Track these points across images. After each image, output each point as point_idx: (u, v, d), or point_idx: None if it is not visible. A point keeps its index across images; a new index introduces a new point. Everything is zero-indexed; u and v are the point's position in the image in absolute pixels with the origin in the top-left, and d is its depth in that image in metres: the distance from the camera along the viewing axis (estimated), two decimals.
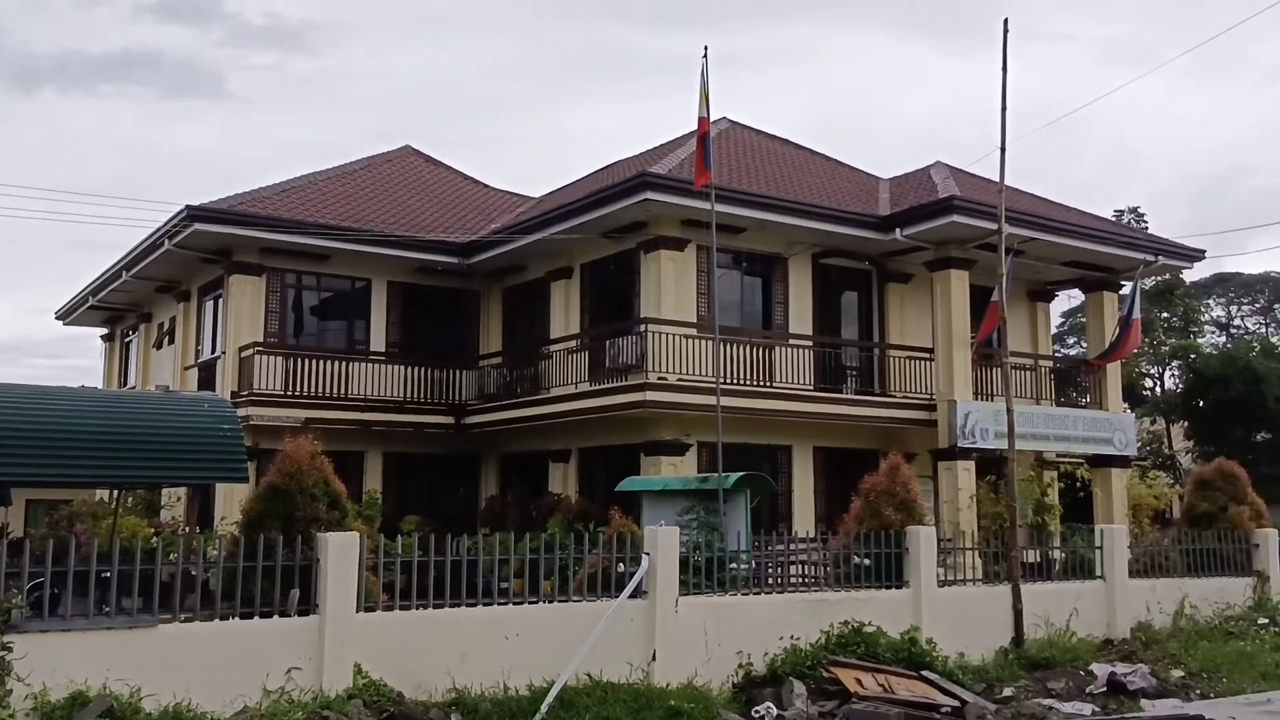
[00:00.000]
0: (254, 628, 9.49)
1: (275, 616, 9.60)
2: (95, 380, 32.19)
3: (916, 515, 13.65)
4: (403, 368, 23.58)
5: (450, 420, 23.72)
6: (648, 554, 11.52)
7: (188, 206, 21.02)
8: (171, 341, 26.12)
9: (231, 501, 20.69)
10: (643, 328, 19.44)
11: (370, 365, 23.21)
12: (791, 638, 12.22)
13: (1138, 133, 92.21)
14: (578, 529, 14.48)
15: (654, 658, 11.31)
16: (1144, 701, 12.44)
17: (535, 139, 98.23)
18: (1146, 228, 34.91)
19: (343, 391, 22.54)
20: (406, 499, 23.10)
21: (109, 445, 9.57)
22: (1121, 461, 23.29)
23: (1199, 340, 38.35)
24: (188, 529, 20.45)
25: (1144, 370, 37.21)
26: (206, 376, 23.65)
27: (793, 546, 14.50)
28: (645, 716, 10.37)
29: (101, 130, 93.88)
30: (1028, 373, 23.97)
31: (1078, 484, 24.33)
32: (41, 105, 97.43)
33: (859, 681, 11.25)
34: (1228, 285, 63.27)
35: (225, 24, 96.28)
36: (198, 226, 21.07)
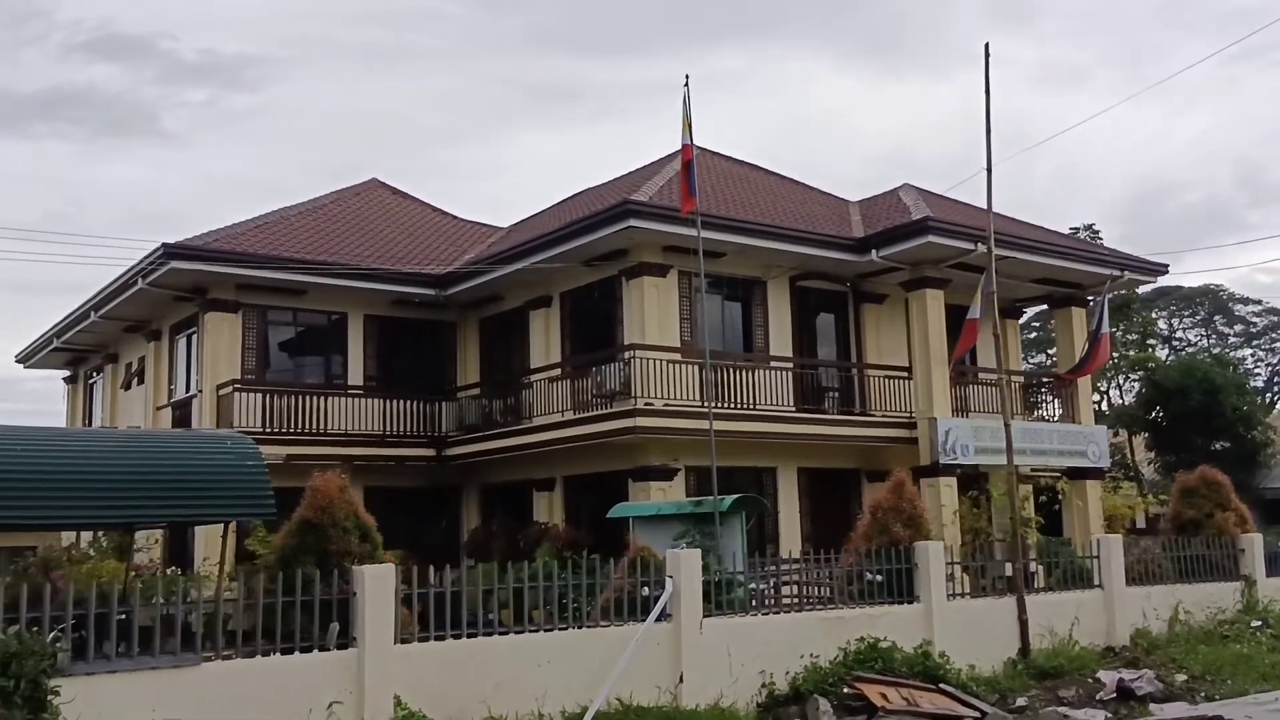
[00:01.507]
0: (294, 663, 9.43)
1: (315, 651, 9.54)
2: (57, 422, 31.55)
3: (924, 531, 13.86)
4: (382, 401, 23.45)
5: (431, 452, 23.63)
6: (670, 577, 11.60)
7: (164, 244, 20.80)
8: (141, 382, 25.75)
9: (213, 543, 20.48)
10: (629, 354, 19.56)
11: (349, 399, 23.06)
12: (811, 656, 12.35)
13: (1073, 151, 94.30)
14: (569, 557, 14.53)
15: (681, 680, 11.39)
16: (1152, 706, 12.73)
17: (472, 169, 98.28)
18: (1102, 244, 35.77)
19: (323, 426, 22.35)
20: (389, 532, 22.65)
21: (141, 485, 9.47)
22: (1096, 473, 23.80)
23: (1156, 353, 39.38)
24: (174, 570, 20.12)
25: (1104, 383, 38.00)
26: (182, 416, 23.34)
27: (794, 566, 14.68)
28: None
29: (34, 169, 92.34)
30: (997, 389, 24.42)
31: (1047, 497, 24.77)
32: None
33: (884, 696, 11.40)
34: (1169, 299, 64.75)
35: (158, 61, 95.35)
36: (174, 264, 20.86)
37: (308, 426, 22.06)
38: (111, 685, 8.58)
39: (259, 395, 21.70)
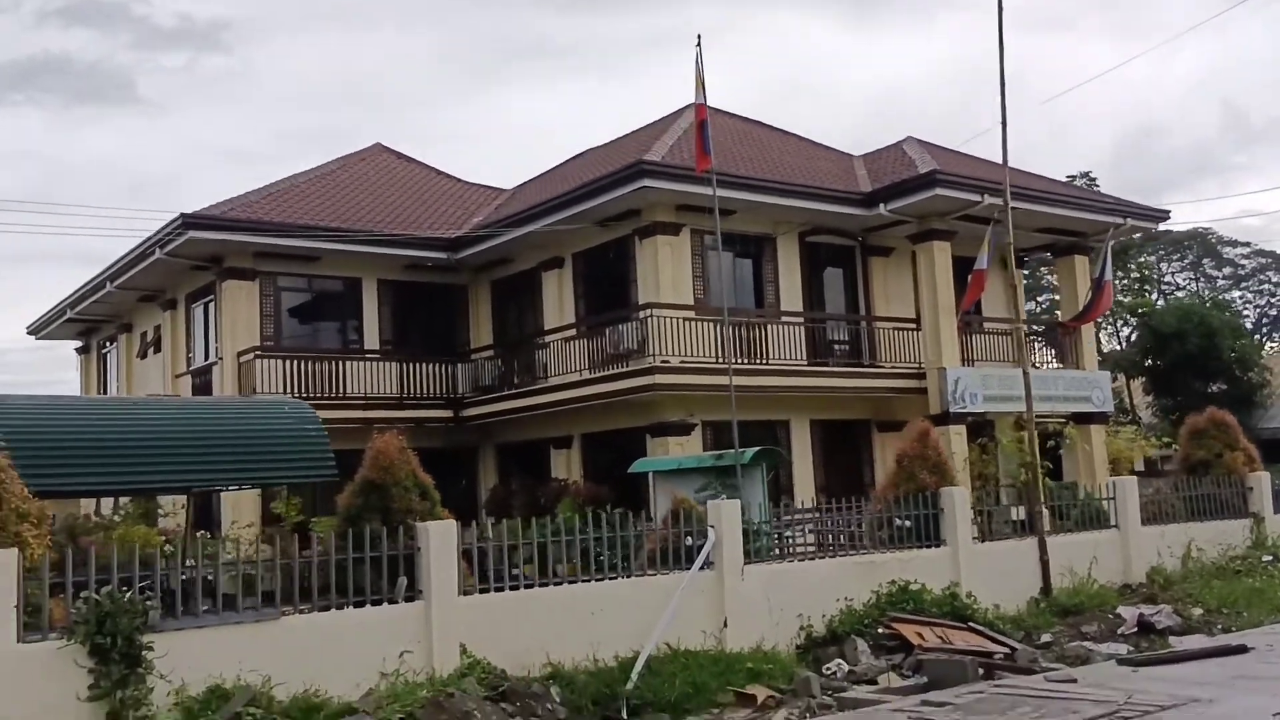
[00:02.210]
0: (366, 615, 9.87)
1: (385, 604, 9.96)
2: (71, 391, 31.81)
3: (949, 477, 14.32)
4: (398, 364, 23.79)
5: (449, 413, 24.00)
6: (712, 527, 12.04)
7: (182, 215, 21.04)
8: (158, 350, 26.03)
9: (239, 507, 20.90)
10: (646, 312, 19.90)
11: (367, 363, 23.41)
12: (846, 599, 12.84)
13: (1056, 95, 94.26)
14: (591, 512, 14.95)
15: (725, 624, 11.86)
16: (1172, 639, 13.25)
17: (454, 130, 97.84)
18: (1102, 192, 36.11)
19: (342, 390, 22.69)
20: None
21: (212, 451, 9.87)
22: (1100, 418, 24.30)
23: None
24: (204, 534, 20.53)
25: (1101, 329, 38.52)
26: (202, 383, 23.65)
27: (826, 514, 15.14)
28: (729, 679, 10.93)
29: (10, 139, 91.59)
30: (1006, 337, 24.90)
31: (1054, 443, 25.27)
32: None
33: (919, 635, 11.90)
34: (1157, 243, 65.18)
35: (133, 27, 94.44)
36: (191, 234, 21.10)
37: (328, 390, 22.38)
38: (199, 639, 8.99)
39: (279, 361, 21.99)
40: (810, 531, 15.80)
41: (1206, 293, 61.86)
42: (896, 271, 24.07)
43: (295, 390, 21.87)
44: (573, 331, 22.46)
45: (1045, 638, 13.26)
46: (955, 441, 21.82)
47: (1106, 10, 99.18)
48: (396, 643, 9.90)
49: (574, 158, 29.70)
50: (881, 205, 22.07)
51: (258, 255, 22.34)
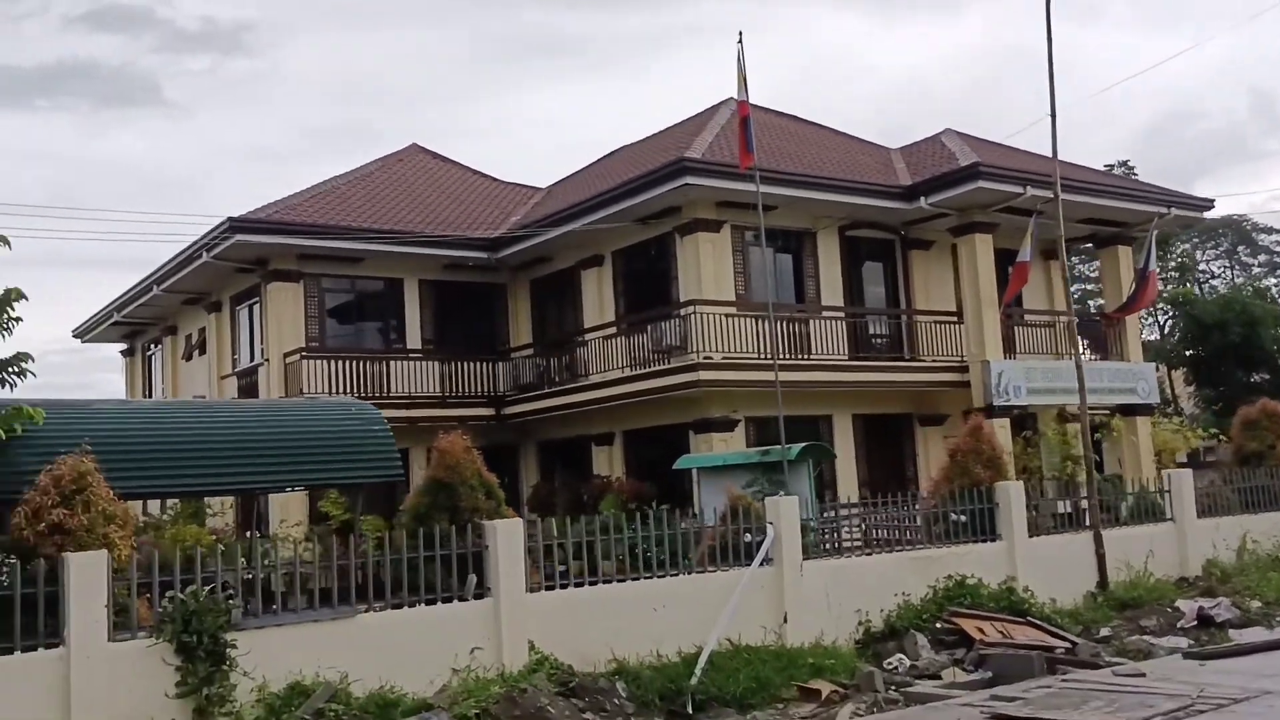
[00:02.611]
0: (438, 613, 10.00)
1: (455, 601, 10.09)
2: (113, 394, 32.18)
3: (1003, 471, 14.33)
4: (439, 363, 23.96)
5: (490, 411, 24.15)
6: (771, 524, 12.11)
7: (229, 218, 21.27)
8: (203, 352, 26.31)
9: (288, 507, 21.12)
10: (690, 309, 19.97)
11: (409, 362, 23.58)
12: (903, 594, 12.88)
13: (1088, 82, 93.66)
14: (635, 509, 15.01)
15: (785, 620, 11.93)
16: (1231, 632, 13.20)
17: (475, 128, 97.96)
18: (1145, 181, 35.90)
19: (386, 390, 22.86)
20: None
21: (285, 452, 10.02)
22: (1145, 410, 24.20)
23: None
24: (252, 533, 20.75)
25: (1141, 318, 38.30)
26: (248, 384, 23.89)
27: (862, 509, 15.21)
28: (792, 674, 11.00)
29: (36, 144, 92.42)
30: (1047, 329, 24.84)
31: (1101, 435, 25.16)
32: None
33: (980, 630, 11.92)
34: (1191, 230, 64.55)
35: (158, 30, 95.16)
36: (239, 238, 21.32)
37: (372, 390, 22.55)
38: (279, 637, 9.15)
39: (323, 361, 22.21)
40: (856, 526, 15.84)
41: (1242, 281, 61.28)
42: (937, 264, 24.04)
43: (340, 390, 22.09)
44: (613, 329, 22.56)
45: (1104, 632, 13.25)
46: (999, 435, 21.73)
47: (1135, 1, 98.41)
48: (467, 639, 10.03)
49: (608, 155, 29.81)
50: (923, 198, 22.03)
51: (302, 257, 22.55)
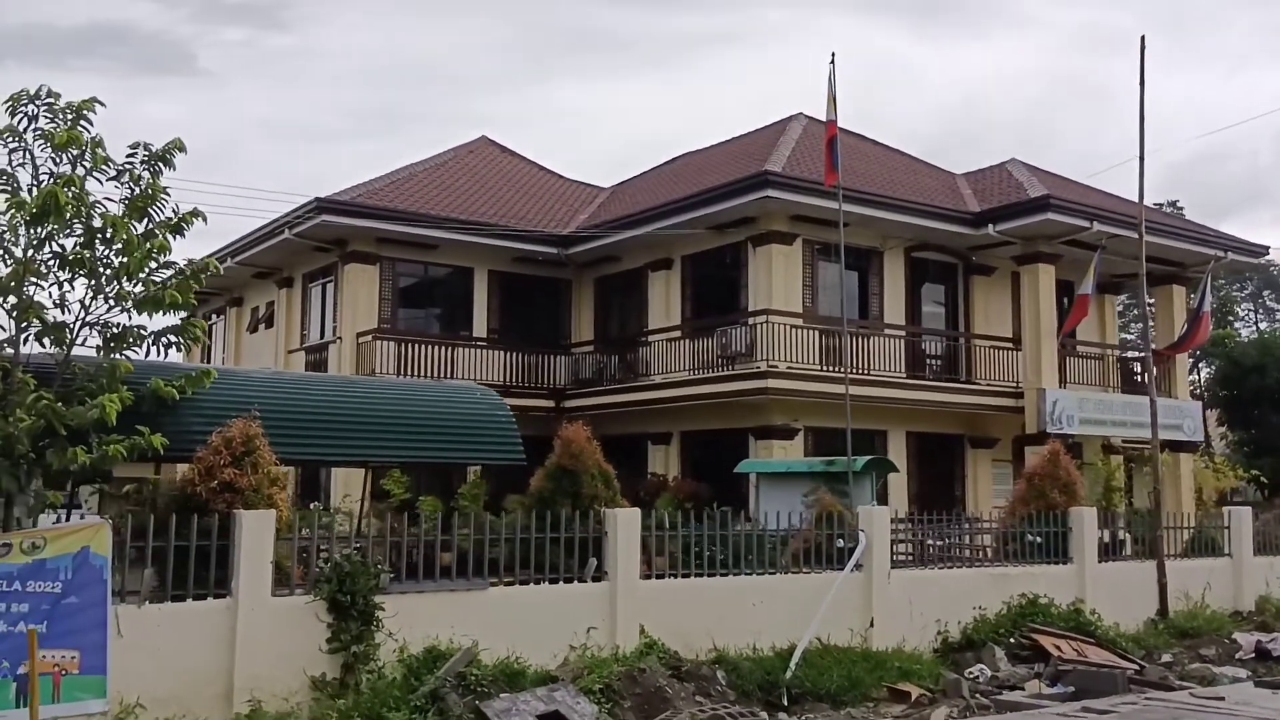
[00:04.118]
0: (560, 591, 10.57)
1: (575, 582, 10.65)
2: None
3: (1077, 497, 14.85)
4: (503, 353, 24.52)
5: (550, 404, 24.68)
6: (863, 531, 12.64)
7: (316, 199, 21.89)
8: (269, 325, 26.92)
9: (349, 482, 21.67)
10: (762, 318, 20.54)
11: (475, 350, 24.14)
12: (979, 608, 13.41)
13: (1113, 117, 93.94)
14: (690, 508, 15.47)
15: (871, 624, 12.45)
16: None
17: (511, 117, 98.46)
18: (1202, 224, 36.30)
19: (451, 375, 23.40)
20: (505, 480, 24.06)
21: (419, 428, 10.58)
22: (1191, 447, 24.69)
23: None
24: (315, 505, 21.32)
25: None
26: (317, 360, 24.48)
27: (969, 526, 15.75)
28: (881, 675, 11.54)
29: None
30: (1097, 362, 25.36)
31: (1145, 469, 25.65)
32: (4, 79, 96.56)
33: (1057, 647, 12.45)
34: (1242, 274, 64.68)
35: (196, 0, 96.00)
36: (324, 218, 21.93)
37: (437, 374, 23.12)
38: (420, 603, 9.71)
39: (394, 343, 22.81)
40: (904, 540, 16.34)
41: (1262, 323, 61.60)
42: (997, 291, 24.55)
43: (407, 372, 22.68)
44: (678, 331, 23.10)
45: (1165, 658, 13.75)
46: None
47: (1169, 33, 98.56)
48: (584, 619, 10.59)
49: (673, 160, 30.40)
50: (990, 226, 22.54)
51: (380, 240, 23.14)
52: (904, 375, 22.44)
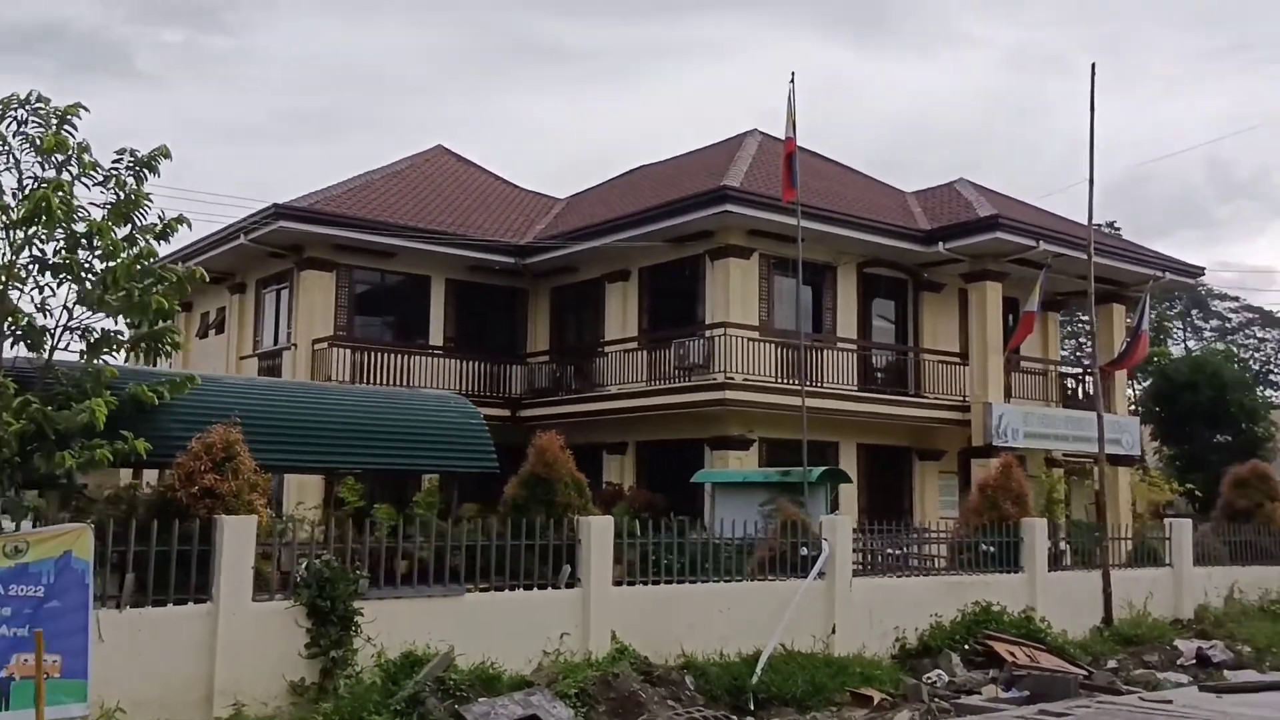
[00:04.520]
0: (534, 598, 10.73)
1: (549, 589, 10.81)
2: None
3: (1028, 508, 15.31)
4: (459, 361, 24.59)
5: (506, 413, 24.75)
6: (826, 540, 12.95)
7: (275, 205, 21.83)
8: (220, 331, 26.72)
9: (303, 490, 21.60)
10: (720, 331, 20.86)
11: (431, 358, 24.18)
12: (935, 615, 13.78)
13: (1050, 135, 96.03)
14: (646, 518, 15.70)
15: (833, 631, 12.76)
16: (1227, 672, 14.23)
17: (447, 125, 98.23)
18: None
19: (407, 383, 23.41)
20: (463, 487, 24.11)
21: (395, 435, 10.68)
22: (1129, 461, 25.43)
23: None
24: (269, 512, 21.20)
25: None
26: (270, 367, 24.34)
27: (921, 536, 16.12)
28: (844, 680, 11.85)
29: None
30: (1039, 377, 26.07)
31: (1088, 481, 26.40)
32: None
33: (1011, 653, 12.84)
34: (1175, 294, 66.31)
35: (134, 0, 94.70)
36: (281, 224, 21.86)
37: (392, 382, 23.11)
38: (398, 609, 9.82)
39: (350, 351, 22.80)
40: (858, 550, 16.69)
41: (1189, 341, 63.31)
42: (944, 307, 25.12)
43: (363, 380, 22.64)
44: (634, 343, 23.34)
45: (1111, 664, 14.21)
46: None
47: (1098, 54, 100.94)
48: (557, 625, 10.76)
49: (629, 173, 30.68)
50: (941, 243, 23.09)
51: (337, 247, 23.12)
52: (856, 388, 22.90)
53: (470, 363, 24.69)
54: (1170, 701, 11.17)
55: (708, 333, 21.39)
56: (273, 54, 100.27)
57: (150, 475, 14.79)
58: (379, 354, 23.23)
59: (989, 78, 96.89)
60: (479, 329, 25.56)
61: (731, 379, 20.58)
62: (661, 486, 22.02)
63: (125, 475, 15.36)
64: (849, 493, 23.14)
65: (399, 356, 23.58)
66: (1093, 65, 17.29)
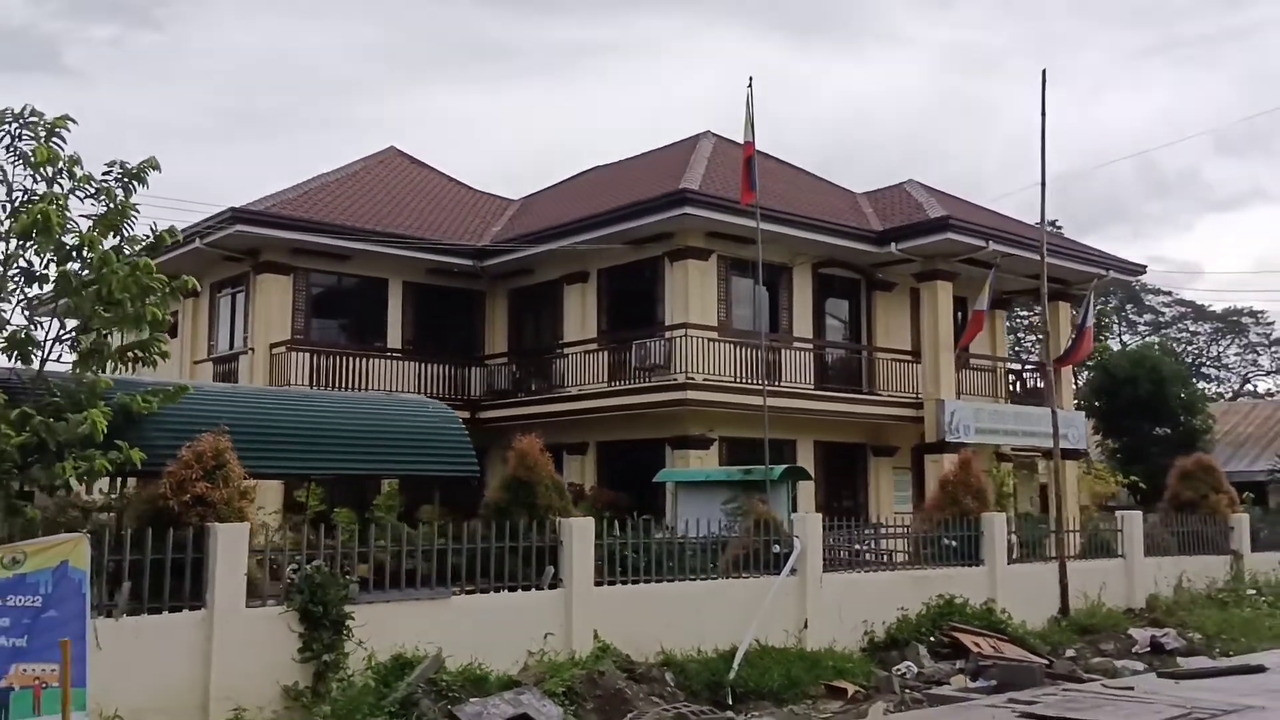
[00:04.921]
0: (518, 599, 10.92)
1: (533, 590, 11.00)
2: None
3: (988, 503, 15.76)
4: (418, 364, 24.63)
5: (465, 415, 24.54)
6: (797, 538, 13.27)
7: (231, 208, 21.72)
8: (173, 335, 26.42)
9: (263, 495, 21.51)
10: (680, 332, 21.12)
11: (389, 361, 24.21)
12: (901, 608, 14.17)
13: (988, 133, 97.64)
14: (609, 517, 15.95)
15: (805, 625, 13.09)
16: (1179, 659, 14.77)
17: (380, 122, 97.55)
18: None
19: (365, 386, 23.43)
20: (420, 490, 24.15)
21: (377, 441, 10.81)
22: (1074, 454, 26.10)
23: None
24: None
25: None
26: (226, 371, 24.21)
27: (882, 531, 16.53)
28: (817, 673, 12.17)
29: None
30: (988, 374, 26.70)
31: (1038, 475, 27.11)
32: None
33: (976, 644, 13.25)
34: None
35: None
36: (239, 228, 21.77)
37: (351, 386, 23.13)
38: (386, 612, 9.96)
39: (307, 355, 22.76)
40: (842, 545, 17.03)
41: (1124, 335, 64.85)
42: (896, 306, 25.62)
43: (321, 384, 22.62)
44: (594, 344, 23.53)
45: (1070, 653, 14.69)
46: (949, 469, 23.32)
47: (1032, 53, 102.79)
48: (541, 625, 10.96)
49: (583, 174, 30.89)
50: (893, 244, 23.57)
51: (294, 251, 23.05)
52: (812, 387, 23.30)
53: (429, 365, 24.74)
54: (1132, 688, 11.61)
55: (668, 334, 21.65)
56: (204, 51, 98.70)
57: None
58: (337, 357, 23.20)
59: (924, 77, 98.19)
60: (436, 331, 25.60)
61: (692, 379, 20.85)
62: (623, 486, 22.23)
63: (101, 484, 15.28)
64: (806, 489, 23.53)
65: (357, 360, 23.58)
66: (1043, 73, 17.86)
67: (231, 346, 24.30)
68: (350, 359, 23.44)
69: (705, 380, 21.03)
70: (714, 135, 27.77)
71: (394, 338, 24.91)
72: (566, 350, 24.03)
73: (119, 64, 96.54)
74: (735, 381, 21.54)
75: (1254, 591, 18.51)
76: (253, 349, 23.16)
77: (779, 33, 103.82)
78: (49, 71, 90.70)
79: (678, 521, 17.22)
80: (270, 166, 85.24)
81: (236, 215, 21.72)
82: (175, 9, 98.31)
